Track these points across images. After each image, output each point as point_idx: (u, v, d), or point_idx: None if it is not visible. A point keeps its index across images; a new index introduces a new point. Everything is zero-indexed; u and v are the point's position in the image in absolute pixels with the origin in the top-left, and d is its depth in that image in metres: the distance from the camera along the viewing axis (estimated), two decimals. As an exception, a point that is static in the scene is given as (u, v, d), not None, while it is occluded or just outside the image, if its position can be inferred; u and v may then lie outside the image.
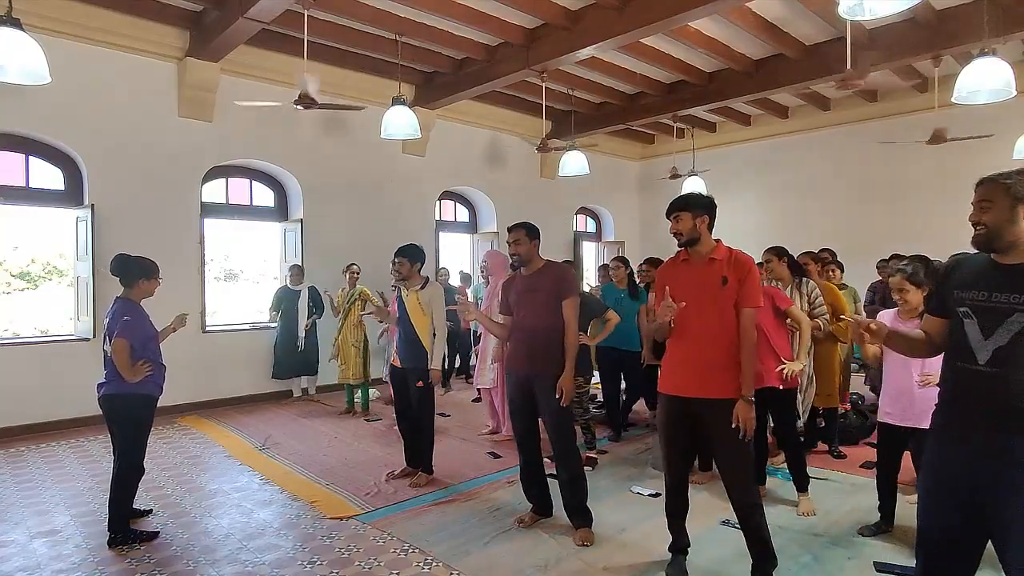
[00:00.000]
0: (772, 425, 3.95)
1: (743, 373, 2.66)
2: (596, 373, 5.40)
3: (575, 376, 4.59)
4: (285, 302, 6.97)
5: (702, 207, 2.77)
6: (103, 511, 3.72)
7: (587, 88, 8.39)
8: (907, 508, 3.36)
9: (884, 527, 3.35)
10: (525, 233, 3.45)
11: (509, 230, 3.51)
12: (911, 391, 3.06)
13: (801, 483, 3.73)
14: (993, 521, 1.78)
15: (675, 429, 2.84)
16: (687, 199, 2.82)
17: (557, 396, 3.26)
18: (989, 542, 1.87)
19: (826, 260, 5.52)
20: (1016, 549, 1.73)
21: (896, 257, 5.83)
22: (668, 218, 2.83)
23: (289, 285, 7.04)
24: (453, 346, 7.64)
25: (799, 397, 4.08)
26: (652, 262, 5.51)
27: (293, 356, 6.94)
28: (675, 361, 2.80)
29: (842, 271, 5.71)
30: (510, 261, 3.99)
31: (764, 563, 2.74)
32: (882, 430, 3.32)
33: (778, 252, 4.13)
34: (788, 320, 3.74)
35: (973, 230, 1.86)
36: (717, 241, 2.81)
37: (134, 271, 3.42)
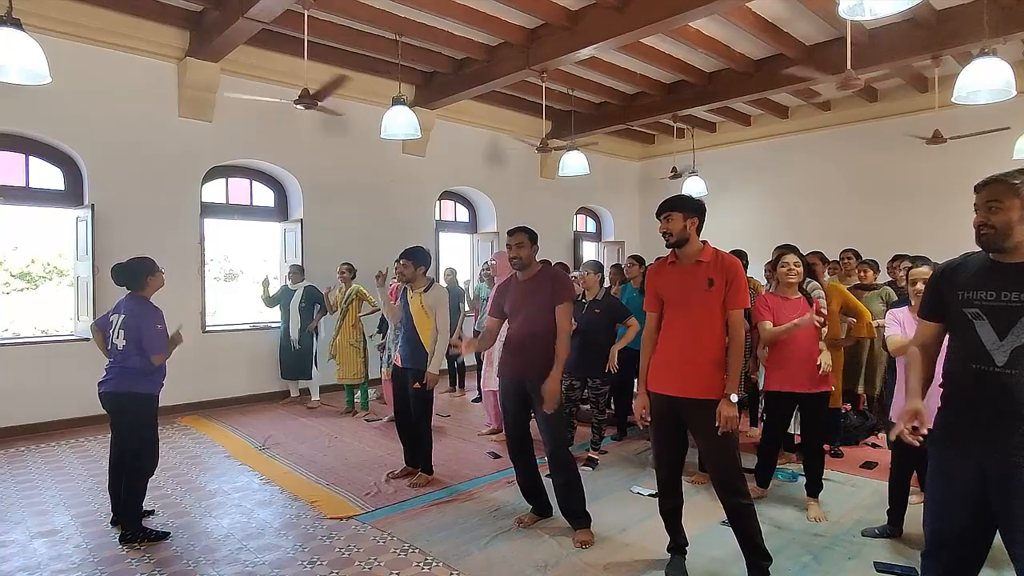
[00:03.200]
0: (799, 432, 3.94)
1: (730, 372, 2.68)
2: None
3: (594, 378, 4.64)
4: (282, 301, 6.90)
5: (692, 209, 2.78)
6: (103, 511, 3.74)
7: (587, 88, 8.38)
8: (909, 508, 3.36)
9: (891, 531, 3.32)
10: (527, 237, 3.44)
11: (510, 233, 3.49)
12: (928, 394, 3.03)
13: (815, 488, 3.69)
14: (1001, 517, 1.79)
15: (664, 427, 2.85)
16: (678, 200, 2.82)
17: (543, 400, 3.25)
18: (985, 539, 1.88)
19: (847, 260, 5.52)
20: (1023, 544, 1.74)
21: (898, 258, 5.81)
22: (658, 218, 2.84)
23: (288, 285, 6.99)
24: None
25: None
26: (638, 259, 5.57)
27: (289, 356, 6.87)
28: (662, 360, 2.82)
29: (876, 271, 5.50)
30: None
31: (757, 560, 2.74)
32: None
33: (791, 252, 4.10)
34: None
35: (976, 231, 1.84)
36: (704, 243, 2.83)
37: (139, 272, 3.45)
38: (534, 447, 3.57)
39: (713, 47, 6.78)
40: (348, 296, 6.40)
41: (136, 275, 3.43)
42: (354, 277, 6.51)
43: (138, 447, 3.41)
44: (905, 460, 3.29)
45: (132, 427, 3.41)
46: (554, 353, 3.31)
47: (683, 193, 2.98)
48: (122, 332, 3.38)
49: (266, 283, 6.83)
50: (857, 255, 5.68)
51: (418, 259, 4.23)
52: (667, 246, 2.85)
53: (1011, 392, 1.75)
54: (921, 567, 2.03)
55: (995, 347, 1.78)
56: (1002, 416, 1.76)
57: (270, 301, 6.88)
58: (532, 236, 3.48)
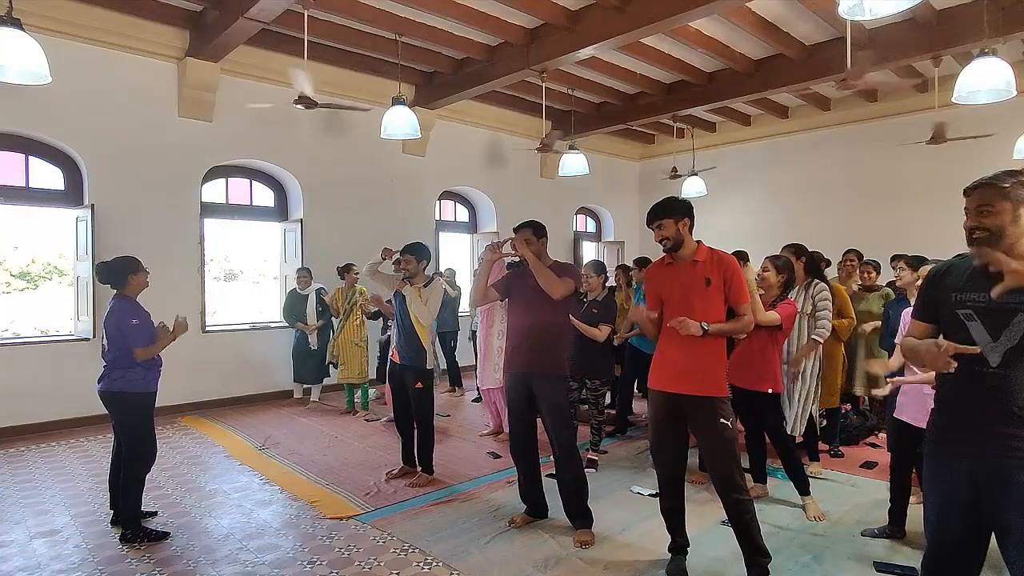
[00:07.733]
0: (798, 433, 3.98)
1: (724, 325, 2.77)
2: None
3: (592, 379, 4.65)
4: (295, 308, 6.75)
5: (681, 212, 2.83)
6: (103, 511, 3.74)
7: (587, 88, 8.38)
8: (910, 509, 3.36)
9: (891, 531, 3.31)
10: (532, 232, 3.41)
11: (515, 230, 3.46)
12: (927, 393, 3.03)
13: (802, 487, 3.69)
14: (995, 520, 1.79)
15: (664, 424, 2.87)
16: (665, 206, 2.86)
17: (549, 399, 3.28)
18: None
19: (850, 262, 5.51)
20: (1018, 548, 1.74)
21: (897, 258, 5.82)
22: (650, 227, 2.88)
23: (298, 289, 6.83)
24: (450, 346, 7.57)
25: (797, 407, 4.07)
26: (641, 262, 5.55)
27: (307, 360, 6.73)
28: (663, 358, 2.86)
29: (878, 272, 5.49)
30: (507, 262, 3.98)
31: (756, 557, 2.75)
32: (899, 429, 3.25)
33: (796, 251, 4.10)
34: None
35: (967, 235, 1.85)
36: (698, 242, 2.87)
37: (121, 271, 3.49)
38: (538, 447, 3.56)
39: (713, 47, 6.78)
40: (351, 296, 6.38)
41: (118, 273, 3.48)
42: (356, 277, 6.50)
43: (132, 445, 3.43)
44: (904, 459, 3.29)
45: (125, 425, 3.44)
46: (558, 346, 3.34)
47: (671, 196, 3.01)
48: (104, 332, 3.44)
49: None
50: (860, 256, 5.67)
51: (420, 254, 4.25)
52: (665, 251, 2.89)
53: (1005, 392, 1.76)
54: (921, 569, 2.03)
55: (989, 348, 1.78)
56: (996, 417, 1.77)
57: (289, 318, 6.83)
58: (538, 231, 3.42)
